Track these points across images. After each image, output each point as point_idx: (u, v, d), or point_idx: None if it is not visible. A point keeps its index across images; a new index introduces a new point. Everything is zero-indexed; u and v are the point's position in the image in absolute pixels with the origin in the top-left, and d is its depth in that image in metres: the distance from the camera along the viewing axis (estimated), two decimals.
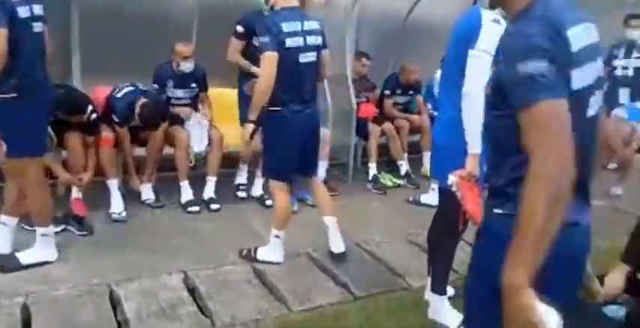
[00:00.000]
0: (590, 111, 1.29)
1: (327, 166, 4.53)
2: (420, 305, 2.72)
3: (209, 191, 3.91)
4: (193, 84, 4.11)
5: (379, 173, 4.77)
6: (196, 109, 4.12)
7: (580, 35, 1.23)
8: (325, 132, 4.48)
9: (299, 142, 2.99)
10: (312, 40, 2.90)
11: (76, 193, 3.44)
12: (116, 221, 3.53)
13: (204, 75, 4.16)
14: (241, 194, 4.14)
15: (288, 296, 2.80)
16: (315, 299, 2.79)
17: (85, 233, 3.29)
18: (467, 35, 2.34)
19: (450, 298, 2.77)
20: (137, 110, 3.57)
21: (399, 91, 5.08)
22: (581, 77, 1.22)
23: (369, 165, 4.80)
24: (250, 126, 2.89)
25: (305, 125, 3.01)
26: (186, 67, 3.93)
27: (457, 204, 2.39)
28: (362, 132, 4.89)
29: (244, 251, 3.15)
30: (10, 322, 2.40)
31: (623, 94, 4.67)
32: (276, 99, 2.86)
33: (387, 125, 4.90)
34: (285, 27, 2.79)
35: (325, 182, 4.44)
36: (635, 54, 4.70)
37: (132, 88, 3.70)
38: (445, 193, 2.48)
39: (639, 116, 3.09)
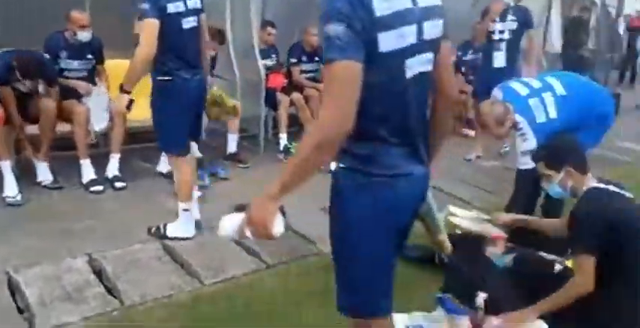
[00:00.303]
0: (410, 73, 1.36)
1: (238, 139, 4.50)
2: (329, 268, 2.79)
3: (113, 169, 3.75)
4: (90, 56, 3.89)
5: (290, 143, 4.79)
6: (93, 83, 3.90)
7: (389, 1, 1.28)
8: (236, 104, 4.43)
9: (191, 111, 2.94)
10: (192, 3, 2.82)
11: None
12: (10, 205, 3.30)
13: (101, 46, 3.95)
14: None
15: (201, 270, 2.78)
16: (228, 270, 2.80)
17: None
18: None
19: None
20: (15, 63, 3.36)
21: (304, 59, 5.07)
22: (389, 40, 1.29)
23: (280, 135, 4.81)
24: (125, 97, 2.77)
25: (195, 92, 2.94)
26: (84, 36, 3.72)
27: None
28: (271, 102, 4.86)
29: (153, 229, 3.07)
30: None
31: (498, 58, 4.69)
32: (164, 69, 2.77)
33: (296, 95, 4.91)
34: None
35: (236, 154, 4.42)
36: (509, 17, 4.64)
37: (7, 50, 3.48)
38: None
39: (513, 96, 3.13)
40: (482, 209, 3.76)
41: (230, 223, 1.49)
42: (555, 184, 2.35)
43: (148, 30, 2.64)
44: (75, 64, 3.82)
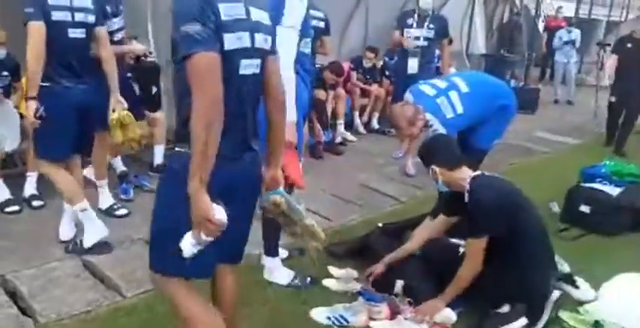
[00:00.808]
0: (243, 71, 1.61)
1: (164, 150, 4.43)
2: (256, 269, 2.80)
3: (30, 188, 3.61)
4: (5, 73, 3.72)
5: None
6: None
7: (231, 9, 1.54)
8: (160, 117, 4.37)
9: (69, 119, 2.88)
10: (81, 16, 2.84)
11: None
12: None
13: (17, 63, 3.79)
14: None
15: (122, 283, 2.71)
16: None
17: None
18: (275, 12, 2.41)
19: (284, 259, 2.92)
20: None
21: None
22: (231, 41, 1.54)
23: None
24: (31, 104, 2.73)
25: (75, 101, 2.88)
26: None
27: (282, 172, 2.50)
28: None
29: (70, 246, 2.97)
30: None
31: (412, 65, 4.86)
32: (46, 74, 2.76)
33: None
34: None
35: (163, 165, 4.35)
36: (427, 25, 4.77)
37: None
38: None
39: (422, 97, 3.27)
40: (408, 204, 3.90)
41: (186, 241, 1.57)
42: (434, 182, 2.53)
43: (33, 33, 2.66)
44: None
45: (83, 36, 2.87)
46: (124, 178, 3.99)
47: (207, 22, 1.46)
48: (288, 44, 2.37)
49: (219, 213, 1.52)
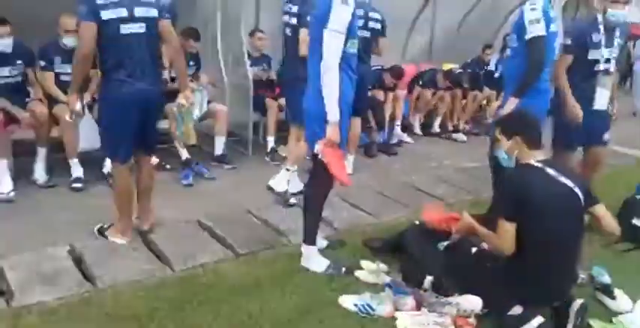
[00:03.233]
0: (124, 31, 2.75)
1: (226, 142, 4.69)
2: (294, 256, 2.97)
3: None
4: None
5: (277, 146, 4.98)
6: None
7: None
8: (223, 109, 4.65)
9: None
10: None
11: None
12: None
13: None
14: None
15: (173, 258, 2.96)
16: (199, 258, 2.96)
17: None
18: (321, 16, 2.57)
19: (323, 249, 3.06)
20: None
21: None
22: (107, 14, 2.70)
23: (267, 138, 5.01)
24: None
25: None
26: (69, 41, 3.82)
27: (326, 167, 2.66)
28: (260, 108, 5.08)
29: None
30: None
31: (602, 96, 3.65)
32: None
33: (283, 101, 5.10)
34: None
35: (223, 156, 4.62)
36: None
37: None
38: (316, 158, 2.73)
39: None
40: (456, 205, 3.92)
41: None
42: (502, 150, 2.50)
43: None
44: (68, 68, 3.91)
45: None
46: (186, 165, 4.28)
47: (87, 4, 2.66)
48: (331, 46, 2.52)
49: (78, 106, 2.94)
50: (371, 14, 4.24)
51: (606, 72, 3.47)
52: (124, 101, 2.84)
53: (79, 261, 2.89)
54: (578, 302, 2.33)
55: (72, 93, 2.97)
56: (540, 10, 3.17)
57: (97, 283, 2.68)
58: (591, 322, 2.45)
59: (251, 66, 5.02)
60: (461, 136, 6.31)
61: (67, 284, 2.65)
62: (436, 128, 6.48)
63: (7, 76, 3.88)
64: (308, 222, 2.92)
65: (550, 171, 2.36)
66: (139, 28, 2.80)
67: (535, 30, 3.15)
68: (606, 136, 3.67)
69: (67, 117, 3.13)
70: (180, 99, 3.10)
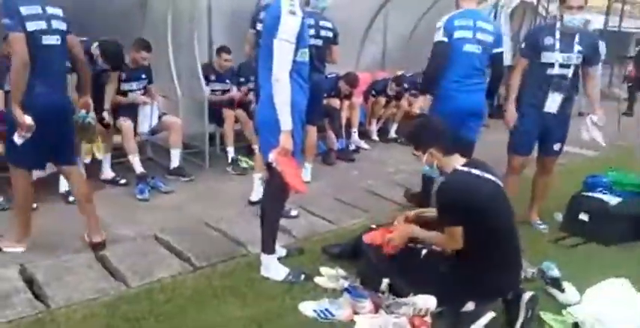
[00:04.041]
0: (45, 42, 2.82)
1: (183, 154, 4.65)
2: (253, 266, 2.97)
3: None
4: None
5: (237, 156, 4.97)
6: None
7: (29, 9, 2.76)
8: (177, 121, 4.61)
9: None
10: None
11: None
12: None
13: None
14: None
15: (129, 274, 2.91)
16: (156, 274, 2.92)
17: None
18: (271, 26, 2.60)
19: (282, 258, 3.07)
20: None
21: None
22: (31, 26, 2.76)
23: (228, 149, 5.01)
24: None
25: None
26: None
27: (281, 176, 2.67)
28: (217, 118, 5.06)
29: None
30: None
31: (552, 100, 3.62)
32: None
33: (239, 111, 5.12)
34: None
35: (179, 168, 4.58)
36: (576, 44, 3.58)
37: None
38: (271, 167, 2.74)
39: None
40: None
41: (15, 137, 2.89)
42: (424, 163, 2.60)
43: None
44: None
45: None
46: (141, 179, 4.22)
47: (14, 16, 2.70)
48: (281, 56, 2.56)
49: (28, 120, 2.76)
50: (322, 23, 4.29)
51: (562, 77, 3.50)
52: (42, 111, 2.87)
53: (30, 282, 2.81)
54: (528, 294, 2.42)
55: (15, 106, 2.83)
56: (443, 20, 3.58)
57: (49, 303, 2.61)
58: (542, 314, 2.55)
59: (214, 81, 5.14)
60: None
61: (17, 307, 2.56)
62: (392, 134, 6.59)
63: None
64: (266, 231, 2.93)
65: (475, 171, 2.44)
66: (55, 40, 2.91)
67: (436, 36, 3.56)
68: (556, 147, 3.67)
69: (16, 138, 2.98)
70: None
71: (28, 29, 2.76)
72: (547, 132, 3.61)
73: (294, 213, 3.78)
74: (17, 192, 3.08)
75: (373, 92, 6.42)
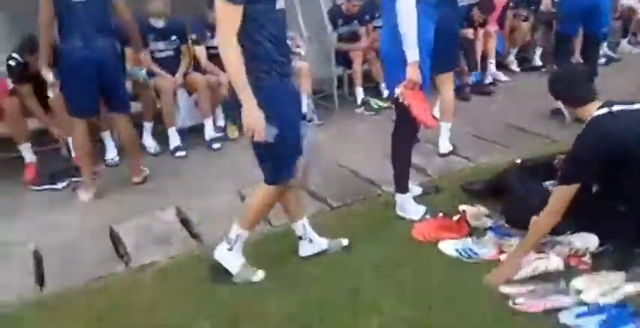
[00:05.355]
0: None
1: (311, 99, 4.64)
2: (389, 205, 2.92)
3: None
4: (174, 37, 4.19)
5: (366, 97, 4.88)
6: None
7: None
8: (305, 66, 4.59)
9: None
10: None
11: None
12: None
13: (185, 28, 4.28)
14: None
15: (271, 214, 3.01)
16: None
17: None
18: None
19: (419, 196, 2.97)
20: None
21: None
22: None
23: (357, 90, 4.92)
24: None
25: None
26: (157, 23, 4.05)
27: (409, 111, 2.53)
28: (344, 60, 4.97)
29: None
30: (23, 267, 2.69)
31: None
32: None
33: (367, 50, 4.96)
34: None
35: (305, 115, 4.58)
36: None
37: None
38: (398, 103, 2.61)
39: None
40: None
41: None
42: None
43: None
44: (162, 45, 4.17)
45: None
46: None
47: None
48: None
49: (49, 78, 3.12)
50: None
51: None
52: (77, 63, 3.07)
53: (185, 222, 3.05)
54: None
55: (42, 64, 3.16)
56: None
57: (203, 240, 2.82)
58: None
59: (343, 25, 5.00)
60: None
61: (175, 244, 2.81)
62: (537, 61, 5.97)
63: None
64: (397, 169, 2.84)
65: (617, 107, 2.13)
66: None
67: None
68: None
69: (50, 94, 3.35)
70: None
71: None
72: None
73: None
74: (73, 141, 3.37)
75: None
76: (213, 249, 2.48)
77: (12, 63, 3.59)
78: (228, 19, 1.92)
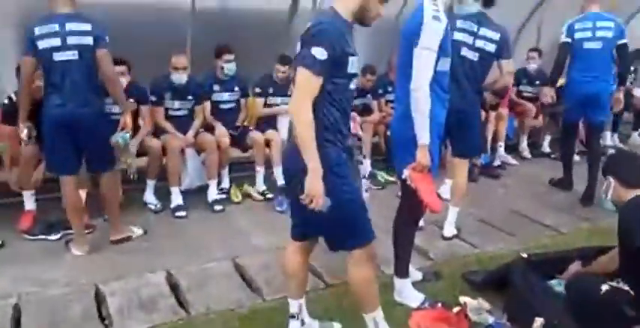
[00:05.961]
0: (57, 58, 3.01)
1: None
2: (388, 287, 2.80)
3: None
4: (190, 97, 4.27)
5: (374, 170, 4.87)
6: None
7: (42, 29, 3.00)
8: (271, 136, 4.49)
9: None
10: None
11: None
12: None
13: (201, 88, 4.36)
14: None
15: (264, 287, 2.93)
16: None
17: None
18: (411, 34, 2.44)
19: (418, 282, 2.86)
20: None
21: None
22: (43, 44, 2.99)
23: (364, 162, 4.92)
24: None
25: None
26: (177, 78, 4.11)
27: (416, 194, 2.49)
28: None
29: None
30: (1, 321, 2.58)
31: None
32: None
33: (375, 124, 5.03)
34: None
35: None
36: None
37: None
38: (405, 185, 2.58)
39: None
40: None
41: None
42: (602, 189, 2.37)
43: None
44: (177, 103, 4.24)
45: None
46: (281, 192, 4.27)
47: (27, 38, 2.98)
48: (421, 64, 2.38)
49: (22, 134, 3.19)
50: (482, 31, 3.26)
51: None
52: (55, 122, 3.10)
53: (174, 287, 2.95)
54: None
55: (20, 118, 3.21)
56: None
57: (190, 311, 2.71)
58: None
59: (356, 98, 4.91)
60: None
61: (162, 311, 2.70)
62: (546, 148, 6.00)
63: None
64: (399, 252, 2.76)
65: None
66: (71, 55, 3.05)
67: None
68: None
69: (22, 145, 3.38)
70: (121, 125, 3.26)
71: (40, 47, 3.01)
72: None
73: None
74: (63, 197, 3.31)
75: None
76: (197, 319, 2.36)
77: (5, 101, 3.61)
78: (307, 88, 1.93)
